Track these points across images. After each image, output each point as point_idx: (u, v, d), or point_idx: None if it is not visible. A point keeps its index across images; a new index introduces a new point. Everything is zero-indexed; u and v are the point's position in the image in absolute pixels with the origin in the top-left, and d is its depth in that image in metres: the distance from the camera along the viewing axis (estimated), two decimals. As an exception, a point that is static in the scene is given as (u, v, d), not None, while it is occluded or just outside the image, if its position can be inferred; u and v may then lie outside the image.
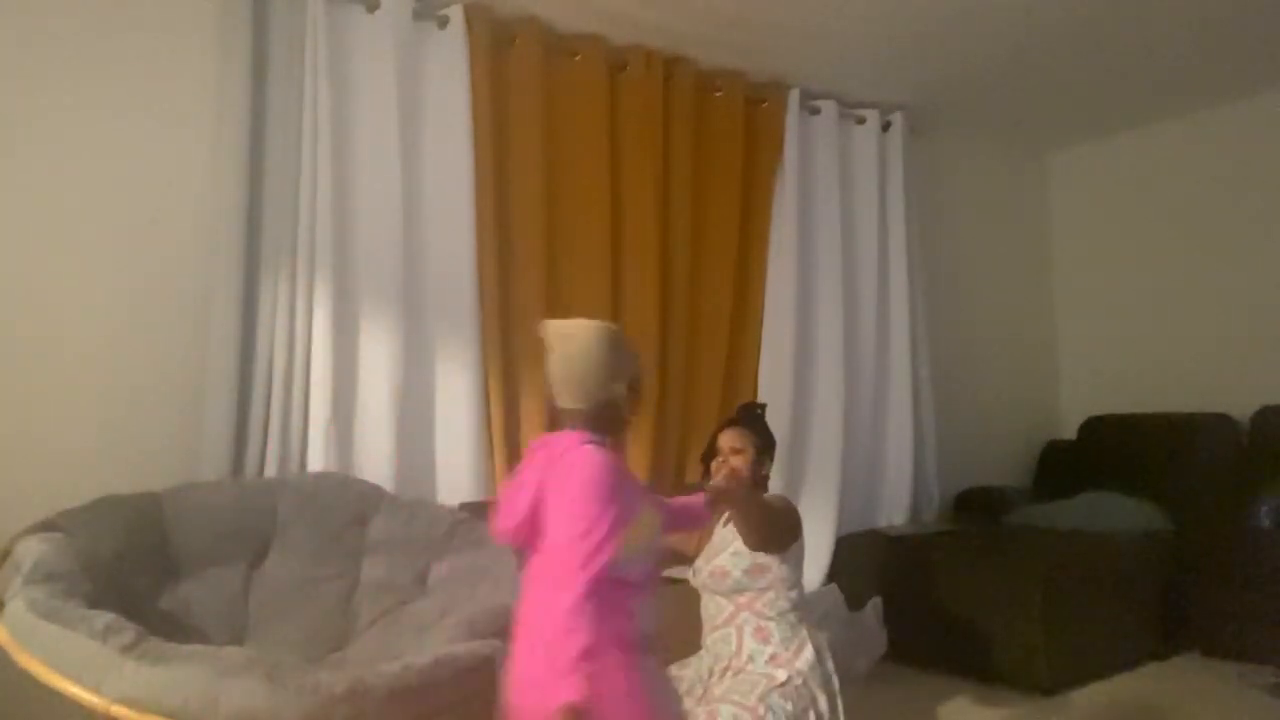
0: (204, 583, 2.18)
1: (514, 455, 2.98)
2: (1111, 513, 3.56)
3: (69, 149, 2.46)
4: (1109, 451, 4.13)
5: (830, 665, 2.18)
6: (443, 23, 2.93)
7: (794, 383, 3.52)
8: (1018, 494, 4.10)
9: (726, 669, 2.18)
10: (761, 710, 2.01)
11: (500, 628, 1.95)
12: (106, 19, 2.53)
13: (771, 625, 2.20)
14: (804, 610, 2.26)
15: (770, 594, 2.21)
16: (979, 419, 4.35)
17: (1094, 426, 4.31)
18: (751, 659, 2.17)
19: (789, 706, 2.05)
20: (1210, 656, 3.27)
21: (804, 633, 2.19)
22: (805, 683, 2.10)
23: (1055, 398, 4.78)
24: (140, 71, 2.57)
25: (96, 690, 1.55)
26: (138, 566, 2.06)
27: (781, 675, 2.10)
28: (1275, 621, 3.10)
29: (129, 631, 1.61)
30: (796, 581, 2.26)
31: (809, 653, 2.15)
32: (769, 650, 2.17)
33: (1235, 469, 3.69)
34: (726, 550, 2.28)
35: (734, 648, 2.20)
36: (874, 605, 3.16)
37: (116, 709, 1.53)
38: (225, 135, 2.57)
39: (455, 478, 2.82)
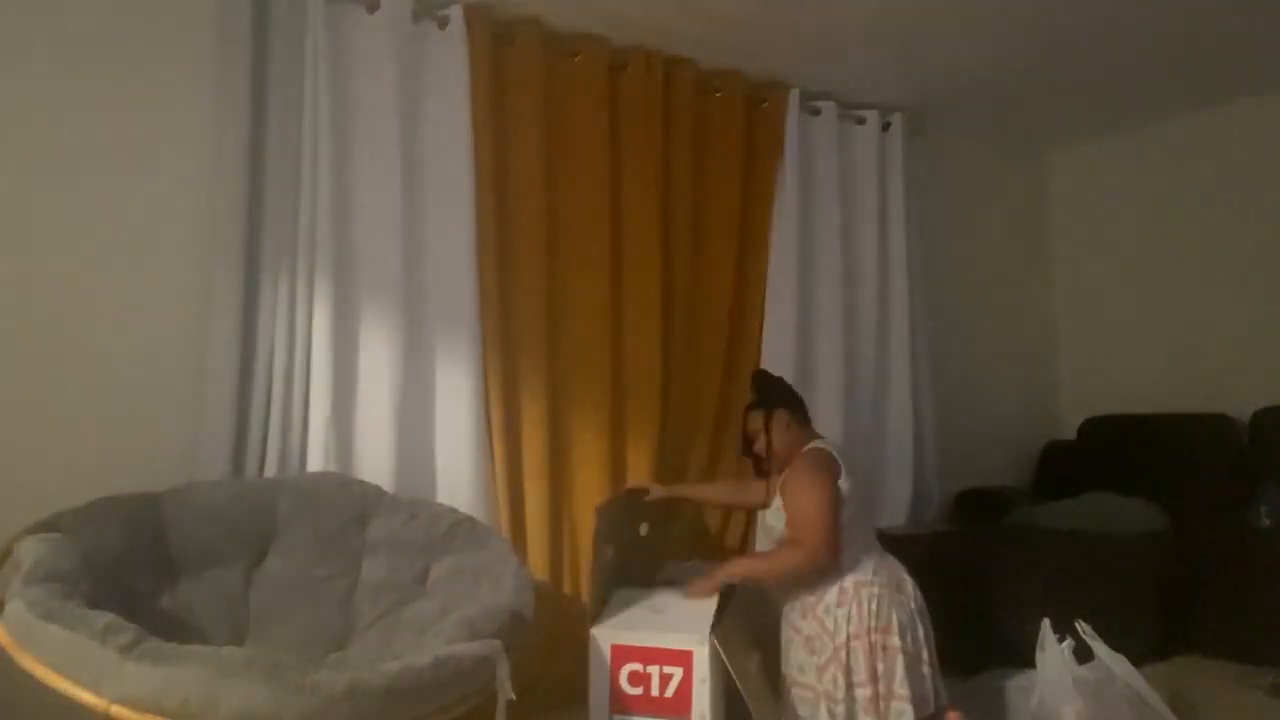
0: (204, 583, 2.19)
1: (514, 455, 2.98)
2: (1111, 513, 3.56)
3: (69, 149, 2.46)
4: (1109, 451, 4.13)
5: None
6: (443, 23, 2.93)
7: (794, 382, 3.49)
8: (1018, 494, 4.10)
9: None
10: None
11: (500, 627, 1.96)
12: (106, 19, 2.53)
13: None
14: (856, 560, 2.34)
15: None
16: (979, 419, 4.35)
17: (1094, 426, 4.30)
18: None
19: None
20: (1210, 656, 3.27)
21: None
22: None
23: (1055, 398, 4.78)
24: (140, 72, 2.57)
25: (96, 690, 1.55)
26: (138, 566, 2.06)
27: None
28: (1275, 621, 3.10)
29: (128, 631, 1.61)
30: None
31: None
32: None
33: (1235, 469, 3.69)
34: (772, 508, 2.45)
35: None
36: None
37: (116, 709, 1.53)
38: (225, 135, 2.57)
39: (455, 478, 2.82)
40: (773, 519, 2.44)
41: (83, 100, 2.49)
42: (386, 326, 2.75)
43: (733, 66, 3.52)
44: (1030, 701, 2.58)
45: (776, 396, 2.58)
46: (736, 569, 2.44)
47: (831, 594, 2.28)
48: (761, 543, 2.63)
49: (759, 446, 2.55)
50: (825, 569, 2.25)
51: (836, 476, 2.34)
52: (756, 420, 2.56)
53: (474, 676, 1.82)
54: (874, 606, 2.23)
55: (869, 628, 2.22)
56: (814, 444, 2.47)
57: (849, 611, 2.24)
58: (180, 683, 1.53)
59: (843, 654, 2.22)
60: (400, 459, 2.72)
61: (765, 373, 2.75)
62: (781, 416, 2.53)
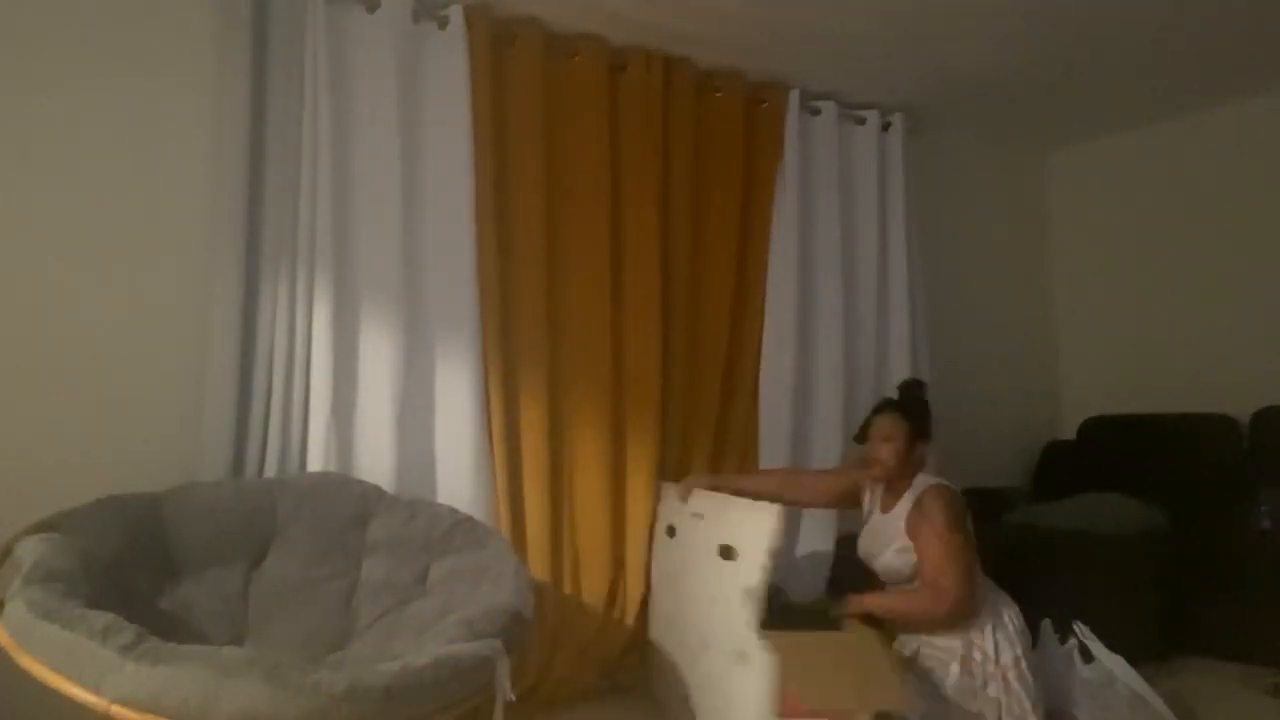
0: (204, 583, 2.19)
1: (514, 455, 2.98)
2: (1111, 513, 3.55)
3: (69, 148, 2.46)
4: (1109, 451, 4.13)
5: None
6: (443, 23, 2.93)
7: (795, 383, 3.51)
8: (1018, 494, 4.10)
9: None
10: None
11: (500, 628, 1.95)
12: (106, 19, 2.53)
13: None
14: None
15: None
16: (979, 419, 4.34)
17: (1094, 426, 4.30)
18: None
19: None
20: (1210, 657, 3.27)
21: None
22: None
23: (1055, 398, 4.77)
24: (140, 72, 2.57)
25: (96, 690, 1.54)
26: (138, 567, 2.06)
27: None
28: (1275, 622, 3.09)
29: (129, 631, 1.61)
30: None
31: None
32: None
33: (1235, 469, 3.69)
34: (891, 547, 2.36)
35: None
36: None
37: (116, 709, 1.53)
38: (225, 135, 2.57)
39: (455, 478, 2.82)
40: (895, 559, 2.36)
41: (82, 100, 2.48)
42: (387, 326, 2.75)
43: (732, 66, 3.51)
44: (1030, 701, 2.57)
45: (923, 416, 2.50)
46: (870, 603, 2.31)
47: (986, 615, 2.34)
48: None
49: (884, 454, 2.45)
50: (958, 620, 2.24)
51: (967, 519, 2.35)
52: (899, 427, 2.46)
53: (474, 676, 1.82)
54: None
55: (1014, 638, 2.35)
56: (927, 476, 2.42)
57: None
58: (180, 683, 1.53)
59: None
60: (400, 459, 2.72)
61: (921, 384, 2.68)
62: (921, 448, 2.47)
